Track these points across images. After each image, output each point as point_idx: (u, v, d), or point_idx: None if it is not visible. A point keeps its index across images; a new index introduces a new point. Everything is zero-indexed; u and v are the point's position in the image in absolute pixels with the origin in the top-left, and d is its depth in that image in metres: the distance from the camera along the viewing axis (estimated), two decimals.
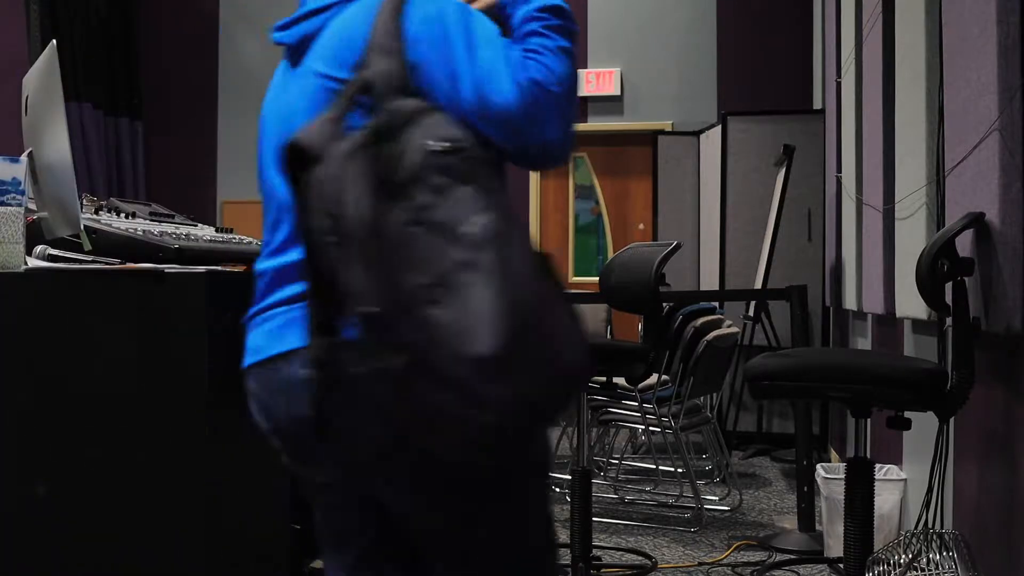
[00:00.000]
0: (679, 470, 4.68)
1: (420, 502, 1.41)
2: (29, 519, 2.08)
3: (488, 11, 1.47)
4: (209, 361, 2.05)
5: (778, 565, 3.56)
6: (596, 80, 7.39)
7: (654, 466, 4.88)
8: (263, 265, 1.52)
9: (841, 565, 3.00)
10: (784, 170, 5.37)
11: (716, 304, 4.93)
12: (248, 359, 1.54)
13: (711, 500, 4.62)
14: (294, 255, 1.45)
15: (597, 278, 4.50)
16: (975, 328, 1.99)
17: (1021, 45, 1.76)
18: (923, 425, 2.63)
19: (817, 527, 3.88)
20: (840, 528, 2.57)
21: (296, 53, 1.53)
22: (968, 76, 2.03)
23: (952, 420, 2.27)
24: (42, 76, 2.27)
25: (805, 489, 3.86)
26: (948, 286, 1.98)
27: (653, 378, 4.33)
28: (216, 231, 2.78)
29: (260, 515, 2.41)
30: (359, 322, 1.22)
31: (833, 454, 5.44)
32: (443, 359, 1.16)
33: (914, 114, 2.79)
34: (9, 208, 2.17)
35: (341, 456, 1.40)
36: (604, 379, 3.86)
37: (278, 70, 1.60)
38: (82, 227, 2.18)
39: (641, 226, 7.35)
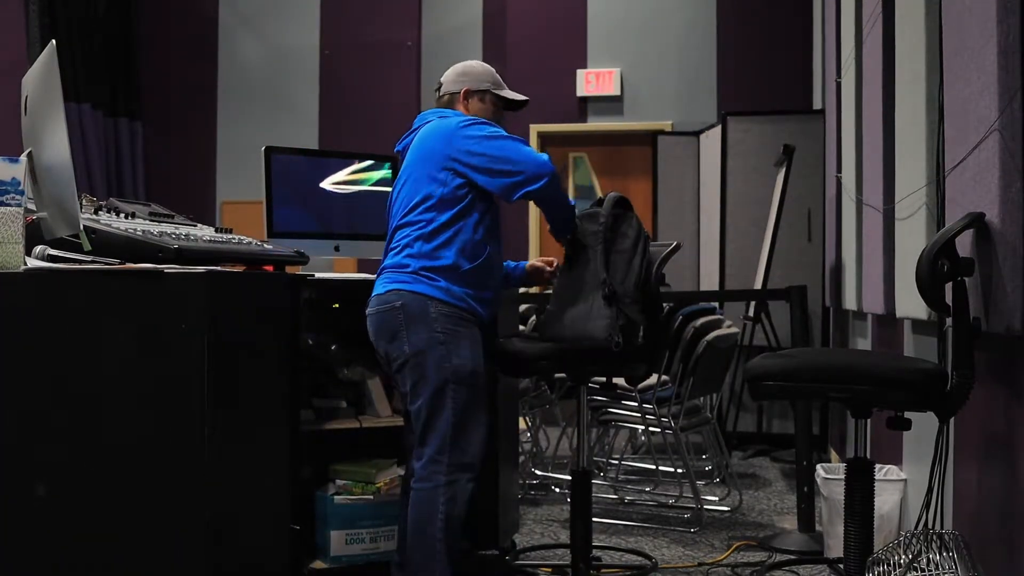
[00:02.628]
0: (679, 470, 4.68)
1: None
2: (29, 519, 2.08)
3: None
4: (209, 361, 2.05)
5: (778, 566, 3.56)
6: (596, 80, 7.39)
7: (654, 467, 4.87)
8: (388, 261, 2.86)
9: (841, 566, 3.00)
10: (784, 170, 5.36)
11: (716, 304, 4.92)
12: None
13: (711, 500, 4.62)
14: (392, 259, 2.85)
15: None
16: (975, 328, 1.99)
17: (1021, 45, 1.76)
18: (923, 425, 2.63)
19: (817, 527, 3.88)
20: (840, 528, 2.57)
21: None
22: (968, 76, 2.02)
23: (952, 420, 2.27)
24: (42, 76, 2.27)
25: (805, 489, 3.85)
26: (948, 286, 1.97)
27: (653, 378, 4.33)
28: (215, 231, 2.78)
29: (260, 516, 2.41)
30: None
31: (833, 454, 5.44)
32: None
33: (914, 114, 2.79)
34: (8, 208, 2.17)
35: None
36: (604, 379, 3.86)
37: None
38: (81, 227, 2.18)
39: None
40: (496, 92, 3.03)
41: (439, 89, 3.09)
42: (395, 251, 2.83)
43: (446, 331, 2.74)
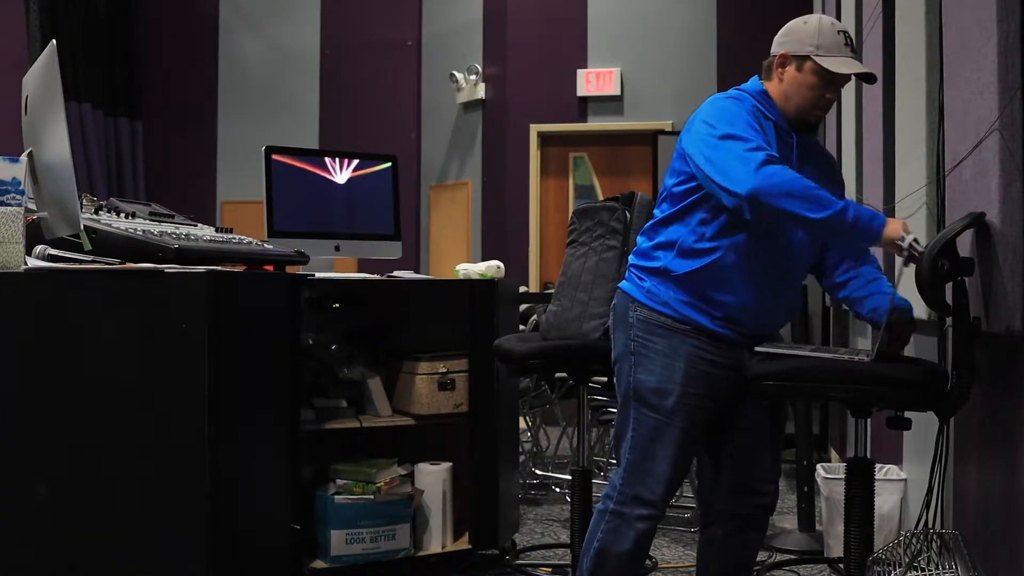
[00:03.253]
0: None
1: None
2: (29, 519, 2.08)
3: None
4: (209, 361, 2.05)
5: (778, 565, 3.56)
6: (596, 80, 7.39)
7: None
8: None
9: (841, 565, 2.99)
10: None
11: None
12: None
13: None
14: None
15: None
16: (975, 328, 1.99)
17: (1021, 45, 1.76)
18: (923, 425, 2.63)
19: (817, 527, 3.88)
20: (840, 528, 2.57)
21: None
22: (968, 76, 2.02)
23: (952, 420, 2.27)
24: (42, 76, 2.27)
25: (805, 489, 3.85)
26: (948, 286, 1.97)
27: None
28: (216, 231, 2.78)
29: (260, 515, 2.41)
30: None
31: (833, 454, 5.44)
32: None
33: (914, 114, 2.79)
34: (9, 208, 2.17)
35: None
36: (605, 379, 3.86)
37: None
38: (82, 227, 2.18)
39: None
40: (818, 59, 2.30)
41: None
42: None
43: (638, 339, 2.37)
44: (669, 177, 2.41)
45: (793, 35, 2.37)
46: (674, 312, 2.33)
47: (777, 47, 2.41)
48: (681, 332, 2.33)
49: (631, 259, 2.48)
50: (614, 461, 5.22)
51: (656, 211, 2.44)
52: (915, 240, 2.08)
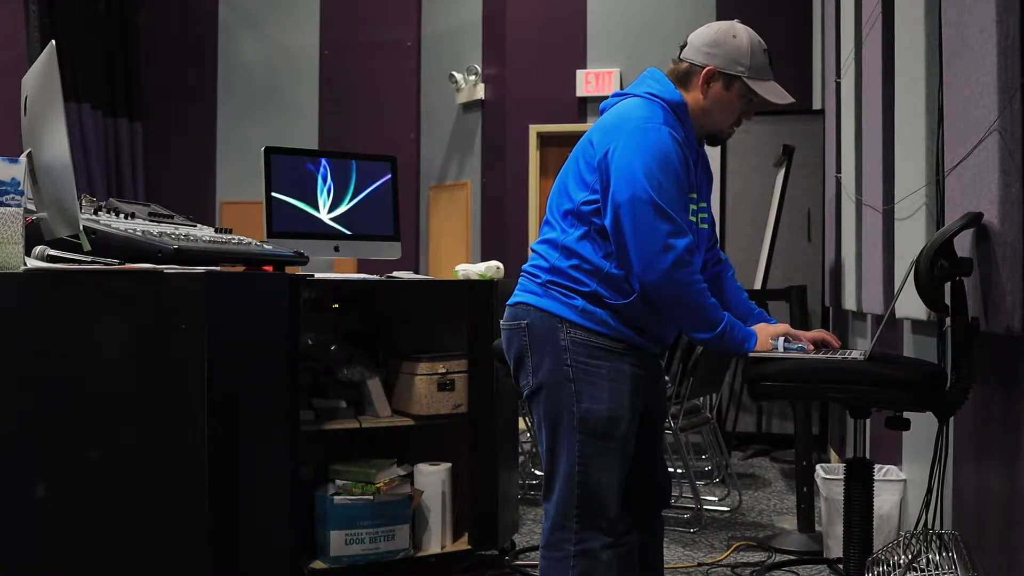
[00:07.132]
0: (678, 471, 4.68)
1: None
2: (29, 519, 2.08)
3: None
4: (209, 361, 2.05)
5: (777, 566, 3.56)
6: (596, 80, 7.39)
7: None
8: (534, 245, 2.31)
9: (841, 566, 3.00)
10: (784, 170, 5.36)
11: None
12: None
13: (711, 501, 4.62)
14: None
15: None
16: (974, 328, 1.99)
17: (1021, 45, 1.76)
18: (922, 426, 2.63)
19: (817, 528, 3.88)
20: (840, 529, 2.57)
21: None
22: (968, 76, 2.02)
23: (951, 420, 2.27)
24: (41, 76, 2.27)
25: (805, 490, 3.85)
26: (947, 286, 1.98)
27: None
28: (215, 231, 2.78)
29: (260, 516, 2.41)
30: None
31: (833, 455, 5.44)
32: None
33: (914, 114, 2.79)
34: (8, 208, 2.16)
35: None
36: None
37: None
38: (81, 228, 2.18)
39: None
40: (750, 82, 2.27)
41: (683, 47, 2.41)
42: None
43: (578, 364, 2.19)
44: (576, 186, 2.25)
45: (722, 49, 2.29)
46: (612, 331, 2.20)
47: (703, 58, 2.32)
48: (619, 352, 2.21)
49: (544, 274, 2.25)
50: None
51: (563, 222, 2.25)
52: (787, 339, 2.26)
